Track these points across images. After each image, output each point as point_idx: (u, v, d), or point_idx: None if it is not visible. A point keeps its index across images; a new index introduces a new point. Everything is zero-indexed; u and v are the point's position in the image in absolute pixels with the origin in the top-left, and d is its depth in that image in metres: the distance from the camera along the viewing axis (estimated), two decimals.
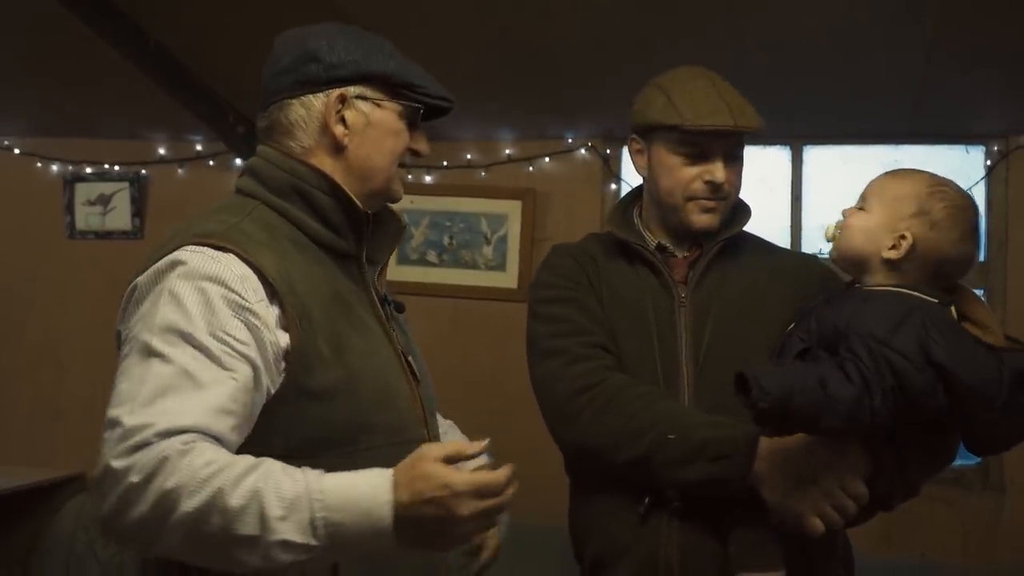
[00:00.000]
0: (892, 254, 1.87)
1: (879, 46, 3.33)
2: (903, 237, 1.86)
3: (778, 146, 4.17)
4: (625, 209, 2.18)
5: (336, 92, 1.69)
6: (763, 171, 4.17)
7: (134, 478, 1.35)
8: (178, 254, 1.54)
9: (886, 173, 1.97)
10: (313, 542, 1.37)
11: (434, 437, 1.78)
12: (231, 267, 1.54)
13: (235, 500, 1.35)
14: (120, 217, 4.75)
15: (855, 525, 1.86)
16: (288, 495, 1.37)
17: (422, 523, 1.40)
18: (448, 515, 1.39)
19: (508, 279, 4.33)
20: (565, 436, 1.99)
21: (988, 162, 3.93)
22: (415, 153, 1.79)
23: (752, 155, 4.15)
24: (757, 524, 1.84)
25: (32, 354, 4.83)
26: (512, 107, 4.08)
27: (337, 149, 1.71)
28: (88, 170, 4.77)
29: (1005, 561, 3.69)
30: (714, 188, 2.01)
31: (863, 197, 1.95)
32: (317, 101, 1.70)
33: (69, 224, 4.80)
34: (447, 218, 4.41)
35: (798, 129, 4.06)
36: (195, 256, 1.54)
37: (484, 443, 1.49)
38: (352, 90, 1.70)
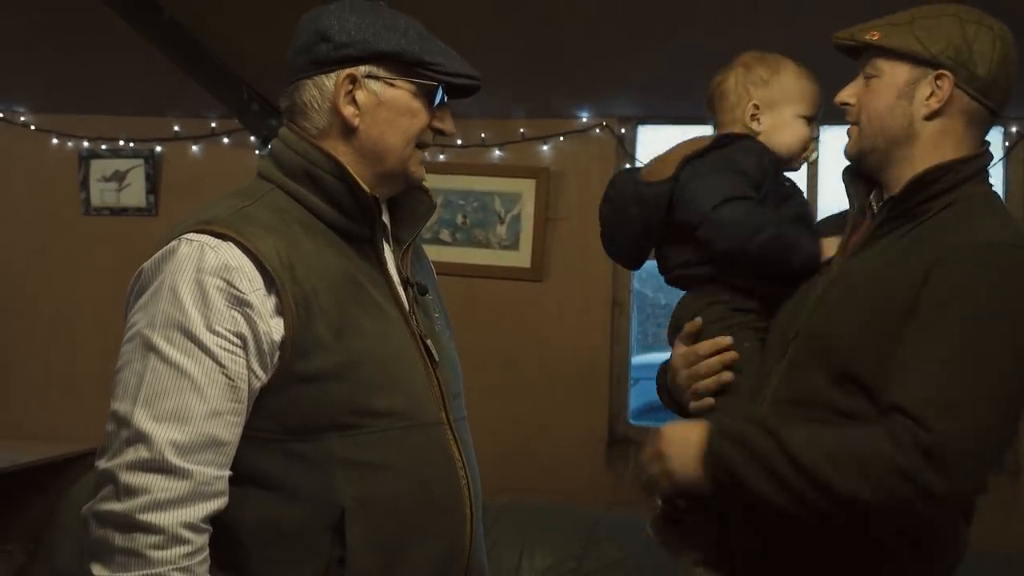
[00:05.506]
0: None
1: None
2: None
3: None
4: None
5: (345, 72, 1.67)
6: None
7: (142, 516, 1.47)
8: (179, 242, 1.57)
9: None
10: None
11: (455, 420, 1.76)
12: (228, 257, 1.55)
13: None
14: (135, 194, 4.75)
15: None
16: None
17: None
18: None
19: (521, 258, 4.31)
20: None
21: (1007, 144, 3.90)
22: (439, 132, 1.76)
23: None
24: None
25: (46, 330, 4.85)
26: (526, 86, 4.05)
27: (348, 130, 1.69)
28: (103, 147, 4.77)
29: (1021, 547, 3.67)
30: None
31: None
32: (328, 81, 1.68)
33: (84, 200, 4.80)
34: (460, 197, 4.39)
35: None
36: (194, 246, 1.56)
37: None
38: (362, 69, 1.67)
